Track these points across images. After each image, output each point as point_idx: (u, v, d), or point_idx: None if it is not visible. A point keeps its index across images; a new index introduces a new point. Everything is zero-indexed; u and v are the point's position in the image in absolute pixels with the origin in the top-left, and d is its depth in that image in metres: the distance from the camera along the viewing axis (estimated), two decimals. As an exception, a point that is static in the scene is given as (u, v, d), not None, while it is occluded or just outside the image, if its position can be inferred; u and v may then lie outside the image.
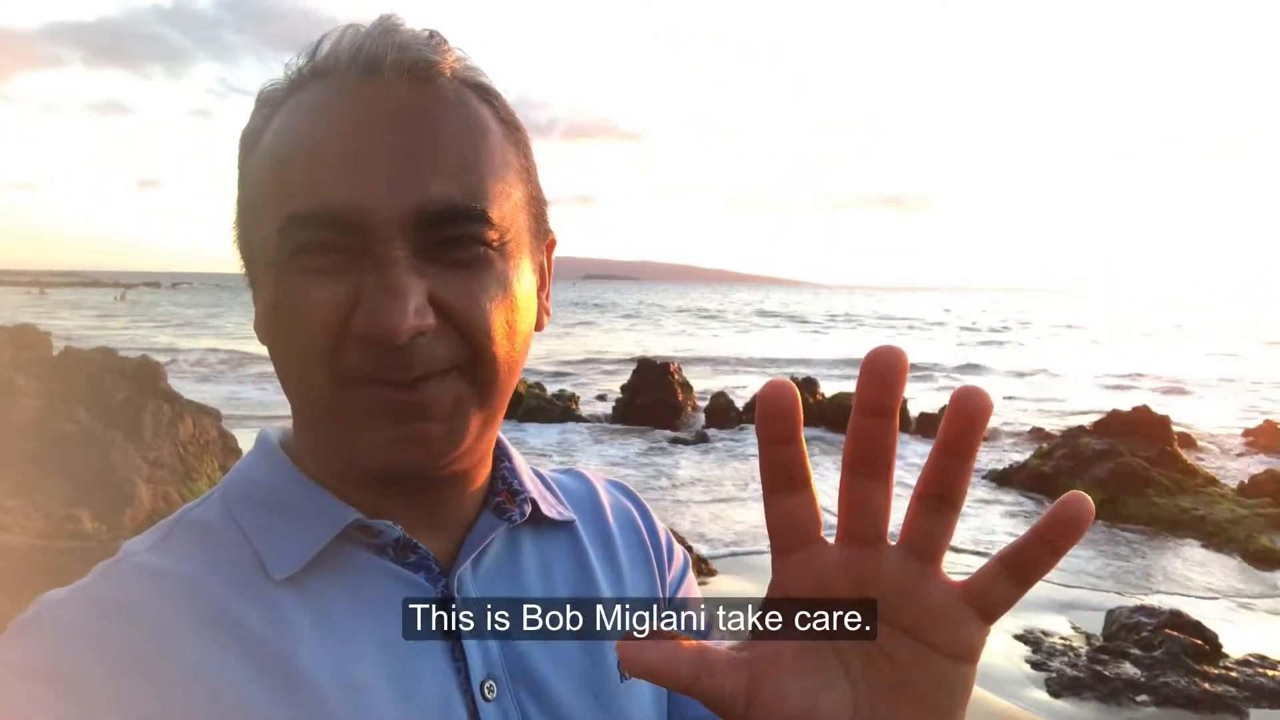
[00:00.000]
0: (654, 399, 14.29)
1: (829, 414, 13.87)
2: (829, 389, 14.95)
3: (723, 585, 6.29)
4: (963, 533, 7.93)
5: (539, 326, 0.69)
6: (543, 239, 0.70)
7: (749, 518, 8.35)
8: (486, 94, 0.65)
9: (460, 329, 0.60)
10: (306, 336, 0.60)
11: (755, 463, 0.70)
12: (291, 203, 0.59)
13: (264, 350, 0.65)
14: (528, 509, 0.72)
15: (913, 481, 0.47)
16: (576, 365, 24.09)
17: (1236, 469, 11.56)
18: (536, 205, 0.68)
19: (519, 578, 0.70)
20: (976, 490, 9.76)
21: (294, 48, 0.66)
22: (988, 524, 8.49)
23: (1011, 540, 0.47)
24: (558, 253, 0.76)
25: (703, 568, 6.49)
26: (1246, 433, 14.04)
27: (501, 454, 0.75)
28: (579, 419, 14.45)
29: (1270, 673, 4.73)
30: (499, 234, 0.62)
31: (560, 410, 14.54)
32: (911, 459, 8.85)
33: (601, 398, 16.91)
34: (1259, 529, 8.40)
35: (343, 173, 0.58)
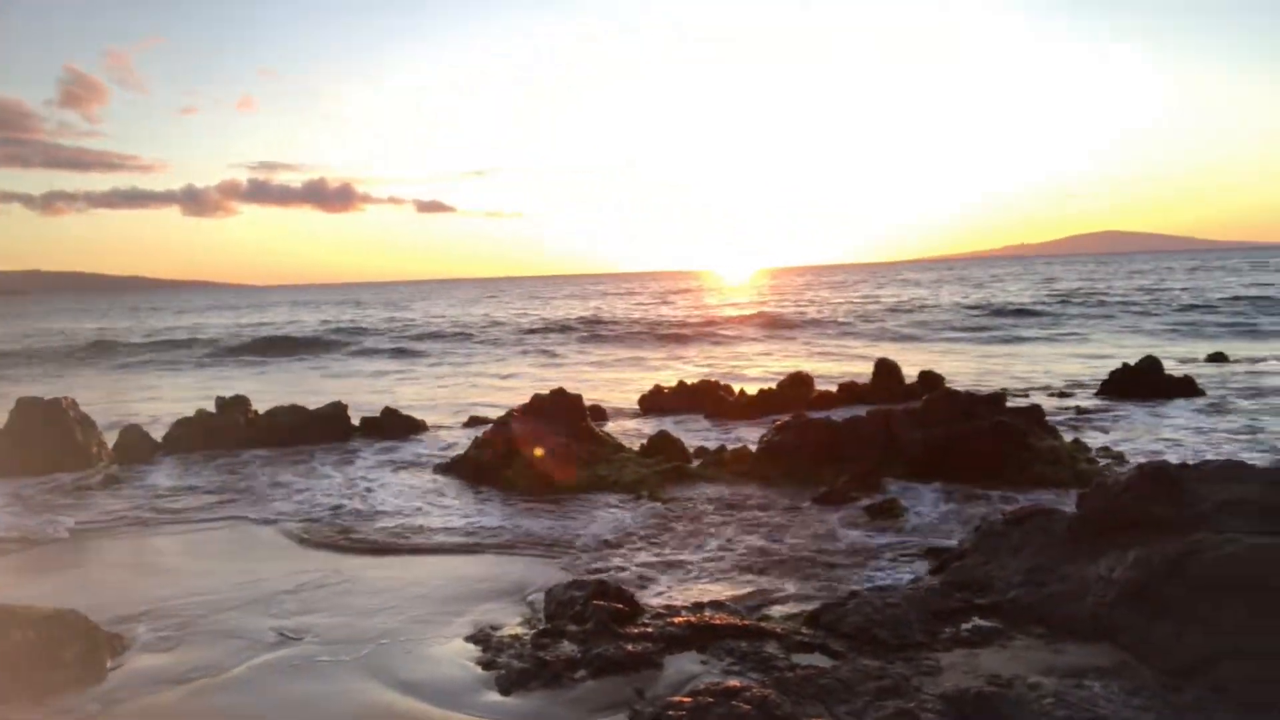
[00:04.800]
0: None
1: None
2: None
3: None
4: (440, 519, 7.89)
5: None
6: None
7: None
8: None
9: None
10: None
11: None
12: None
13: None
14: None
15: None
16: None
17: (638, 431, 13.29)
18: None
19: None
20: (427, 481, 9.83)
21: None
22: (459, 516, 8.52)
23: None
24: None
25: None
26: (641, 399, 16.30)
27: None
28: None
29: (677, 620, 5.37)
30: None
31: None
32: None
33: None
34: (657, 483, 9.72)
35: None
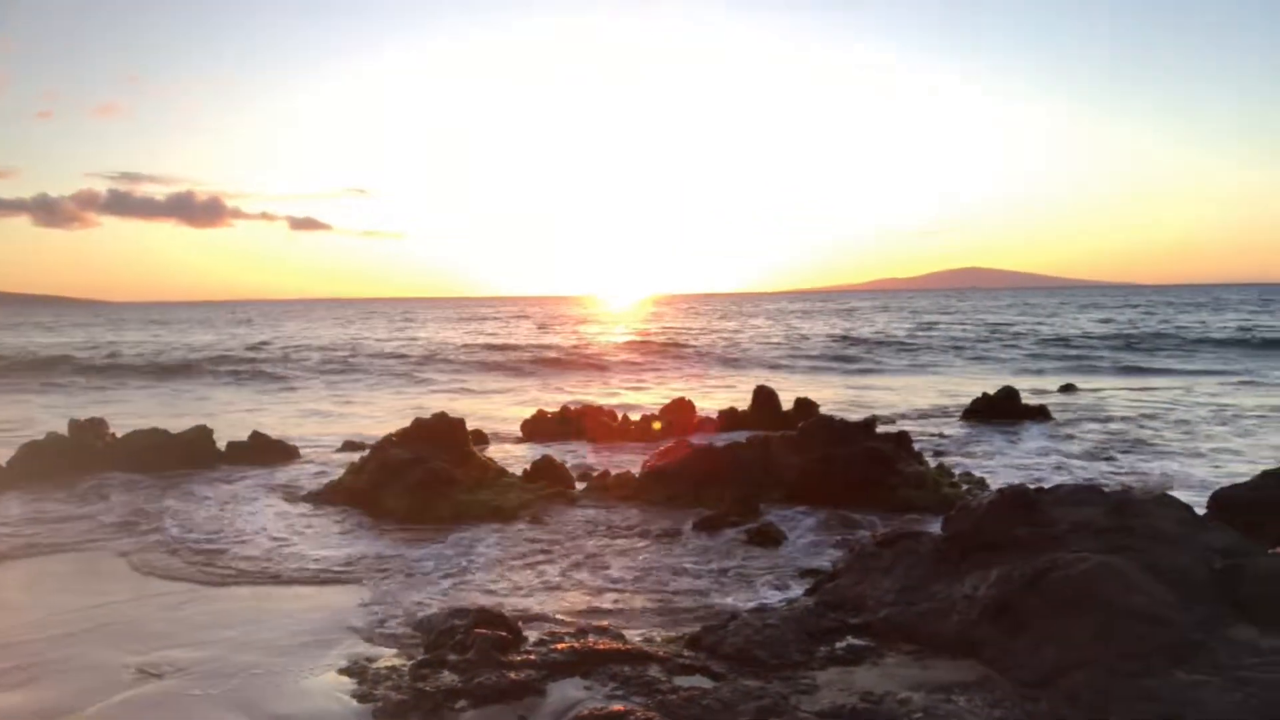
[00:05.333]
0: None
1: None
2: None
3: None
4: (311, 547, 7.56)
5: None
6: None
7: None
8: None
9: None
10: None
11: None
12: None
13: None
14: None
15: None
16: None
17: (520, 456, 13.19)
18: None
19: None
20: (298, 508, 9.47)
21: None
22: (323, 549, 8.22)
23: None
24: None
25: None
26: (523, 424, 16.19)
27: None
28: None
29: (560, 646, 5.35)
30: None
31: None
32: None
33: None
34: (541, 508, 9.68)
35: None
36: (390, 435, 11.13)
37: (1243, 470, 10.86)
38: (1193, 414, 17.42)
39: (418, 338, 53.54)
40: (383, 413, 20.18)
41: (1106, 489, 6.40)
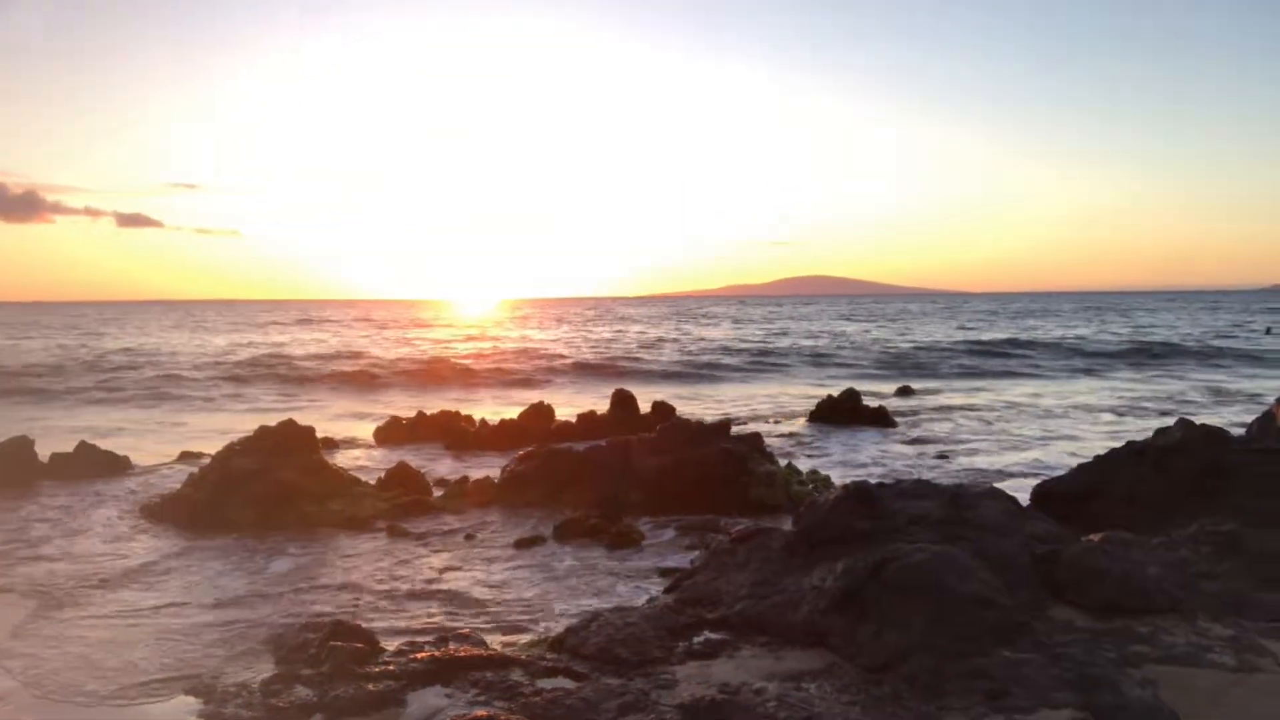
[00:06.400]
0: None
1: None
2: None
3: None
4: (146, 563, 7.08)
5: None
6: None
7: None
8: None
9: None
10: None
11: None
12: None
13: None
14: None
15: None
16: None
17: (375, 464, 12.85)
18: None
19: None
20: (132, 523, 8.89)
21: None
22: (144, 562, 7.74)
23: None
24: None
25: None
26: (376, 431, 15.78)
27: None
28: None
29: (420, 655, 5.27)
30: None
31: None
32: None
33: None
34: (397, 516, 9.48)
35: None
36: (233, 444, 10.62)
37: (1061, 463, 11.80)
38: (1018, 413, 18.80)
39: (259, 340, 51.12)
40: (222, 421, 19.18)
41: (941, 484, 6.86)
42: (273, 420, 10.93)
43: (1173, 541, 6.61)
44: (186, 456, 13.38)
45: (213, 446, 11.94)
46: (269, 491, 9.63)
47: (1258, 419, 9.91)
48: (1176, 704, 4.33)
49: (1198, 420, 8.73)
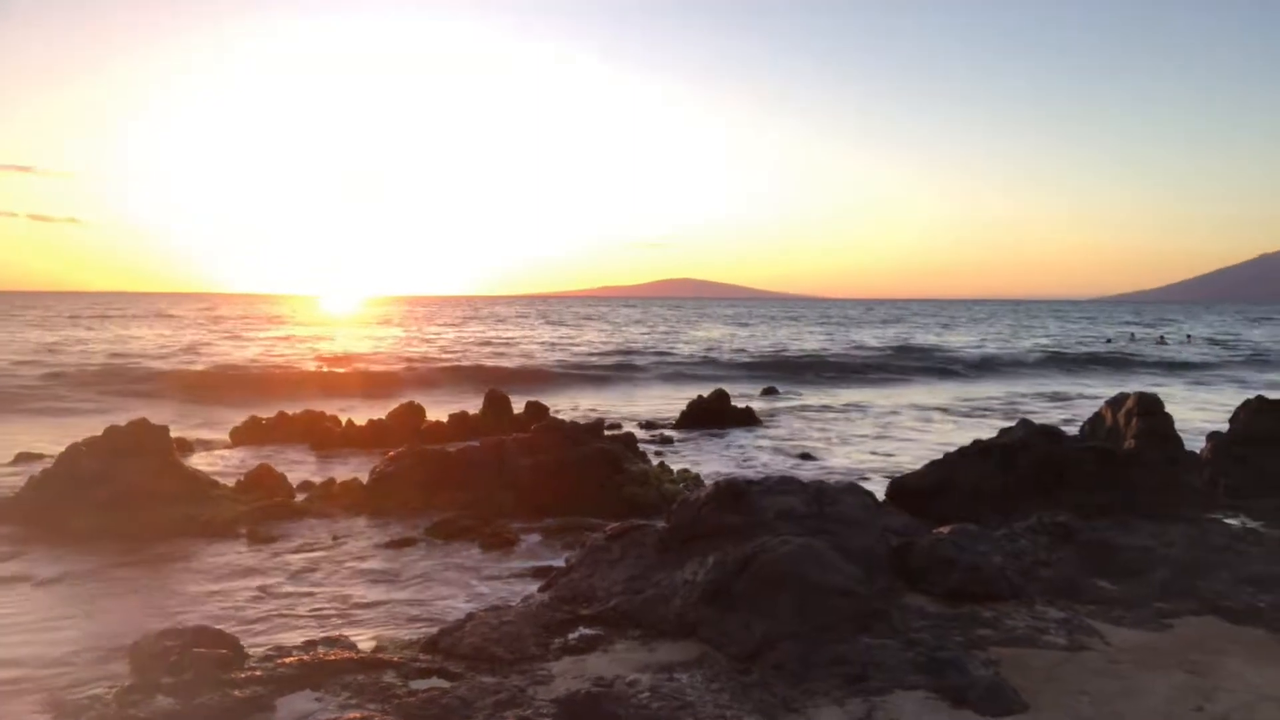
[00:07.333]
0: None
1: None
2: None
3: None
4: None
5: None
6: None
7: None
8: None
9: None
10: None
11: None
12: None
13: None
14: None
15: None
16: None
17: (233, 466, 12.34)
18: None
19: None
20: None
21: None
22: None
23: None
24: None
25: None
26: (234, 432, 15.13)
27: None
28: None
29: (287, 660, 5.14)
30: None
31: None
32: None
33: None
34: (258, 520, 9.16)
35: None
36: (79, 444, 9.99)
37: (913, 461, 12.47)
38: (876, 414, 19.70)
39: (109, 333, 47.97)
40: (66, 422, 17.97)
41: (805, 480, 7.17)
42: (117, 422, 10.33)
43: (1014, 532, 7.13)
44: (25, 458, 12.50)
45: (75, 434, 11.20)
46: (120, 495, 9.13)
47: (1089, 419, 10.78)
48: (1016, 682, 4.71)
49: (1037, 421, 9.42)
